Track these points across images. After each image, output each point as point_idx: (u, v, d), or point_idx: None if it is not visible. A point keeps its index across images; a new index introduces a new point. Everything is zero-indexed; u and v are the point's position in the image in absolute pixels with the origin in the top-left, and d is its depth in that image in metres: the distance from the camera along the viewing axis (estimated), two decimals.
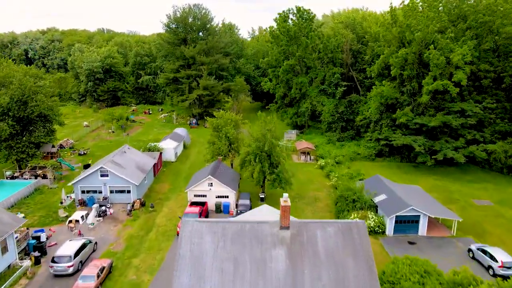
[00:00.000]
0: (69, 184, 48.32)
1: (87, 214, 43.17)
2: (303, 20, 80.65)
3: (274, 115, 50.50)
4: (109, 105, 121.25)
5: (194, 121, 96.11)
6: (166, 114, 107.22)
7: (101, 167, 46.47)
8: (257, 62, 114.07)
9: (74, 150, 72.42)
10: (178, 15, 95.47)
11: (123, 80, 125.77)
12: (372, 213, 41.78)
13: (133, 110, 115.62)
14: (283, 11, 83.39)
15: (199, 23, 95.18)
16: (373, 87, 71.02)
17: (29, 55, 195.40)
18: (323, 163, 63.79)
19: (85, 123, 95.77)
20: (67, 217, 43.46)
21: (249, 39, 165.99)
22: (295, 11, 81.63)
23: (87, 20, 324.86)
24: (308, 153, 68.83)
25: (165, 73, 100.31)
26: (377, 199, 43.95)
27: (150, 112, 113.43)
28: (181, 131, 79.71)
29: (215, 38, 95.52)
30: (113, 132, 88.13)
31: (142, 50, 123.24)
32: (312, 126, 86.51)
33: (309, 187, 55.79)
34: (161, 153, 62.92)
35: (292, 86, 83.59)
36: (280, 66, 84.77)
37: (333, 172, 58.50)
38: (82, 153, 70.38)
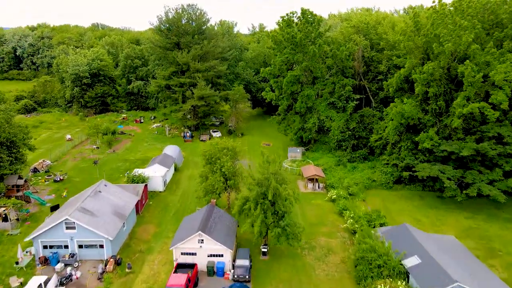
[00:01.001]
0: (26, 239, 39.38)
1: (47, 282, 34.52)
2: (309, 24, 71.20)
3: (278, 160, 41.25)
4: (97, 112, 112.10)
5: (189, 133, 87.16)
6: (159, 124, 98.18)
7: (67, 219, 37.72)
8: (257, 66, 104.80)
9: (50, 175, 63.54)
10: (170, 17, 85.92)
11: (112, 84, 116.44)
12: (402, 284, 33.10)
13: (123, 118, 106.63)
14: (287, 14, 73.85)
15: (193, 25, 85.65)
16: (391, 104, 61.99)
17: (18, 53, 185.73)
18: (334, 195, 55.05)
19: (68, 136, 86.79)
20: (21, 285, 34.86)
21: (248, 35, 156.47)
22: (299, 14, 72.05)
23: (81, 15, 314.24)
24: (317, 180, 60.06)
25: (156, 80, 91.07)
26: (408, 263, 35.27)
27: (142, 121, 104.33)
28: (172, 150, 70.84)
29: (211, 42, 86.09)
30: (98, 148, 79.21)
31: (133, 53, 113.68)
32: (319, 140, 77.44)
33: (319, 230, 47.03)
34: (146, 185, 54.12)
35: (297, 98, 74.49)
36: (283, 75, 75.40)
37: (347, 210, 49.70)
38: (58, 179, 61.57)
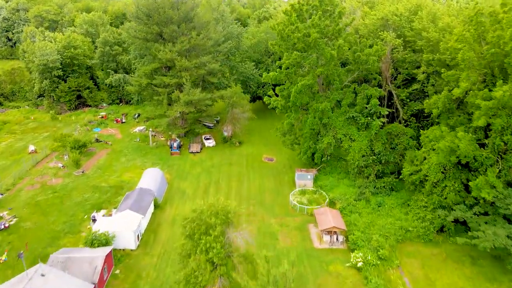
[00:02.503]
0: None
1: None
2: (327, 16, 54.88)
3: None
4: (72, 108, 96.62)
5: (176, 142, 72.47)
6: (142, 128, 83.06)
7: None
8: (257, 56, 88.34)
9: None
10: (150, 1, 68.75)
11: (90, 74, 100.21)
12: None
13: (101, 117, 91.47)
14: (298, 2, 57.06)
15: (178, 11, 68.54)
16: (434, 129, 47.38)
17: None
18: (360, 260, 41.68)
19: (32, 147, 72.19)
20: None
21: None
22: (316, 3, 55.30)
23: None
24: (335, 232, 46.48)
25: (135, 78, 75.24)
26: None
27: (124, 120, 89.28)
28: (152, 177, 56.78)
29: (201, 33, 69.49)
30: (63, 167, 64.99)
31: (111, 37, 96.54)
32: (333, 155, 62.84)
33: None
34: (111, 251, 40.52)
35: (308, 110, 59.38)
36: (291, 81, 59.69)
37: None
38: (2, 226, 47.90)
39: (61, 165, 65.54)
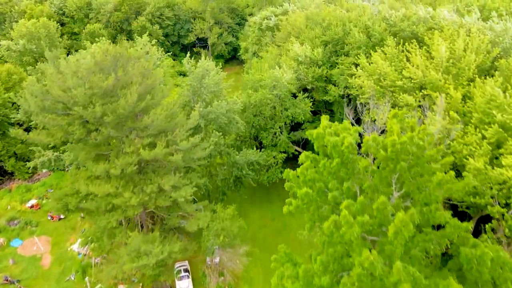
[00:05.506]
0: None
1: None
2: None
3: None
4: None
5: None
6: (85, 248, 53.82)
7: None
8: (261, 122, 57.50)
9: None
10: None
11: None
12: None
13: (31, 206, 62.39)
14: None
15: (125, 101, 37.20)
16: None
17: None
18: None
19: None
20: None
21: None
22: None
23: None
24: None
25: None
26: None
27: (62, 216, 60.27)
28: None
29: (164, 135, 38.67)
30: None
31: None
32: None
33: None
34: None
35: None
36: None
37: None
38: None
39: None
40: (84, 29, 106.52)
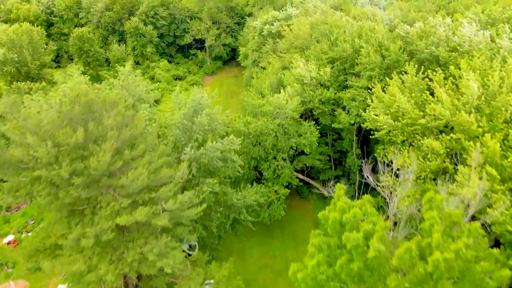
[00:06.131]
0: None
1: None
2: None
3: None
4: None
5: None
6: None
7: None
8: (262, 154, 51.20)
9: None
10: None
11: None
12: None
13: (8, 243, 56.66)
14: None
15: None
16: None
17: None
18: None
19: None
20: None
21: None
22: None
23: None
24: None
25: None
26: None
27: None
28: None
29: (154, 200, 32.68)
30: None
31: None
32: None
33: None
34: None
35: None
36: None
37: None
38: None
39: None
40: (72, 32, 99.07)
